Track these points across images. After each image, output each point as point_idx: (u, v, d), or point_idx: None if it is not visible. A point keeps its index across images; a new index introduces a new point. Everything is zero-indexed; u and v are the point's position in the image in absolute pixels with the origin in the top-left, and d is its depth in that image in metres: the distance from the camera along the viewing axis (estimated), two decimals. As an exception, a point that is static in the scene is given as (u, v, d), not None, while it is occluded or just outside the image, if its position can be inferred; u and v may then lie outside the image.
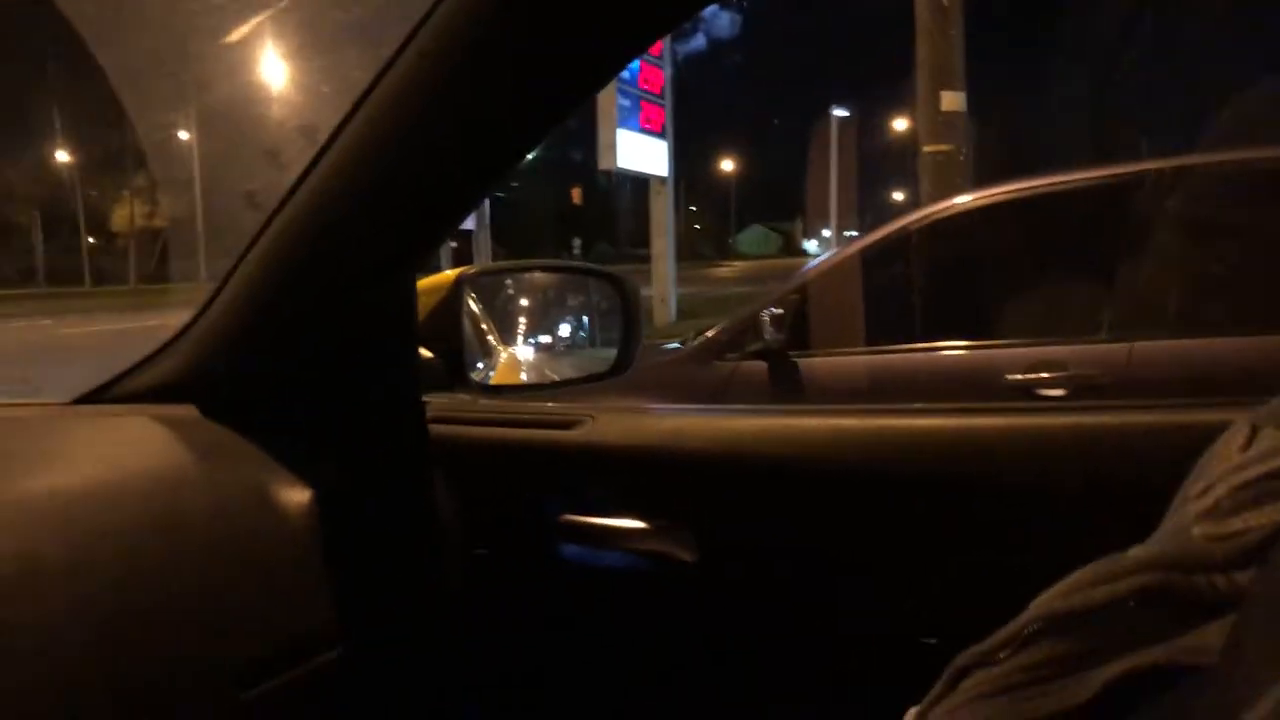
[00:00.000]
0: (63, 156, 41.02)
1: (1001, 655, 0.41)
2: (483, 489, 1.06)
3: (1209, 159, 2.84)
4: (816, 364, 3.16)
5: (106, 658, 0.68)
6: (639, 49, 0.81)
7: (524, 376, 1.52)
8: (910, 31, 6.28)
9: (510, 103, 0.82)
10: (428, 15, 0.77)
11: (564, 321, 1.60)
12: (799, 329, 3.17)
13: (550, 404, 1.17)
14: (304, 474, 0.90)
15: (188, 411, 0.94)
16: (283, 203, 0.91)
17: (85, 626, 0.68)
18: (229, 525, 0.82)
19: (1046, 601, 0.41)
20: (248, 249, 0.94)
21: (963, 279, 3.17)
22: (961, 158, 6.22)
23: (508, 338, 1.52)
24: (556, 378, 1.47)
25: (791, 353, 3.18)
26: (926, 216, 3.23)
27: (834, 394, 3.05)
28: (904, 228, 3.24)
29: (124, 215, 40.81)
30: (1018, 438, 0.90)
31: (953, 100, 6.17)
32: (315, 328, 0.96)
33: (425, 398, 1.07)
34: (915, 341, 3.10)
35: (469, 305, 1.27)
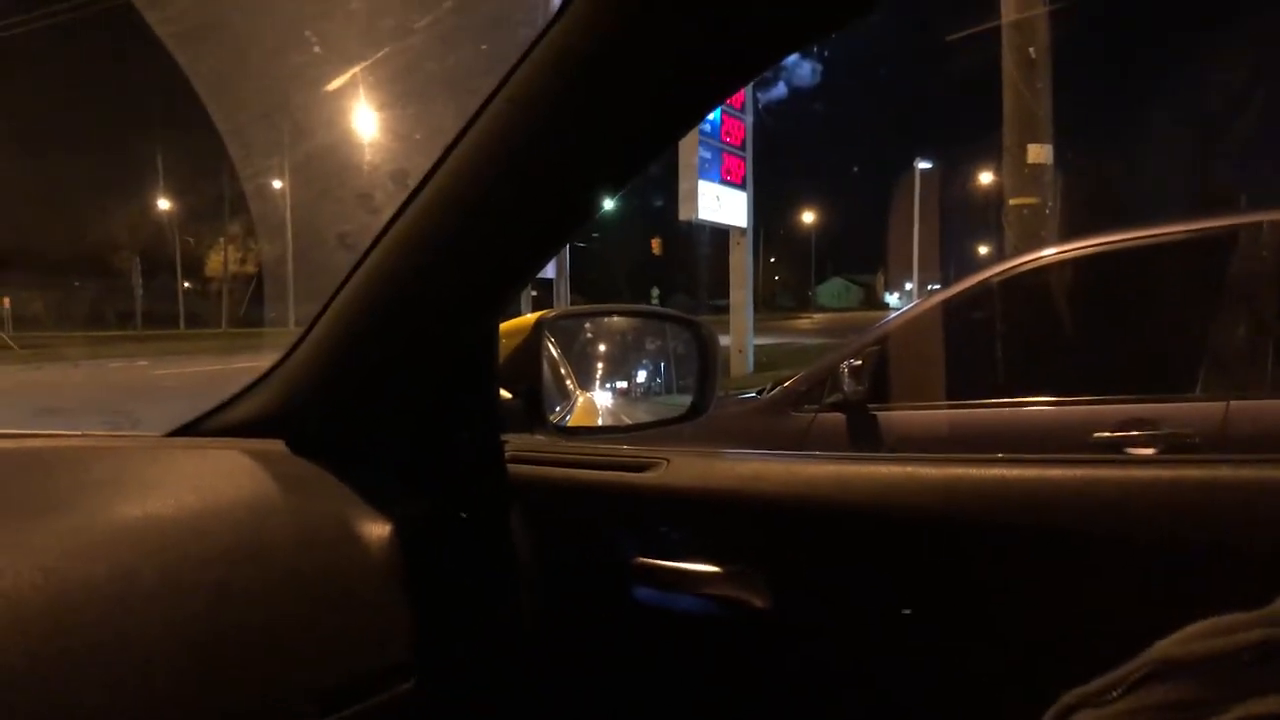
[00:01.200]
0: (163, 204, 43.08)
1: (1112, 695, 0.40)
2: (558, 529, 1.07)
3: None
4: (895, 417, 3.11)
5: (197, 680, 0.70)
6: (720, 99, 0.82)
7: (600, 420, 1.52)
8: (997, 83, 6.22)
9: (594, 152, 0.84)
10: (517, 65, 0.80)
11: (640, 366, 1.61)
12: (878, 381, 3.12)
13: (625, 447, 1.17)
14: (386, 509, 0.92)
15: (276, 446, 0.97)
16: (373, 245, 0.94)
17: (178, 649, 0.70)
18: (313, 556, 0.84)
19: (1163, 648, 0.41)
20: (338, 289, 0.97)
21: (1046, 333, 3.07)
22: (1047, 210, 6.10)
23: (585, 381, 1.53)
24: (631, 422, 1.48)
25: (870, 405, 3.13)
26: (1010, 269, 3.16)
27: (912, 448, 2.98)
28: (986, 280, 3.18)
29: (217, 261, 42.58)
30: (1097, 489, 0.87)
31: (1039, 153, 6.07)
32: (401, 367, 0.99)
33: (504, 437, 1.08)
34: (997, 396, 3.03)
35: (548, 348, 1.28)
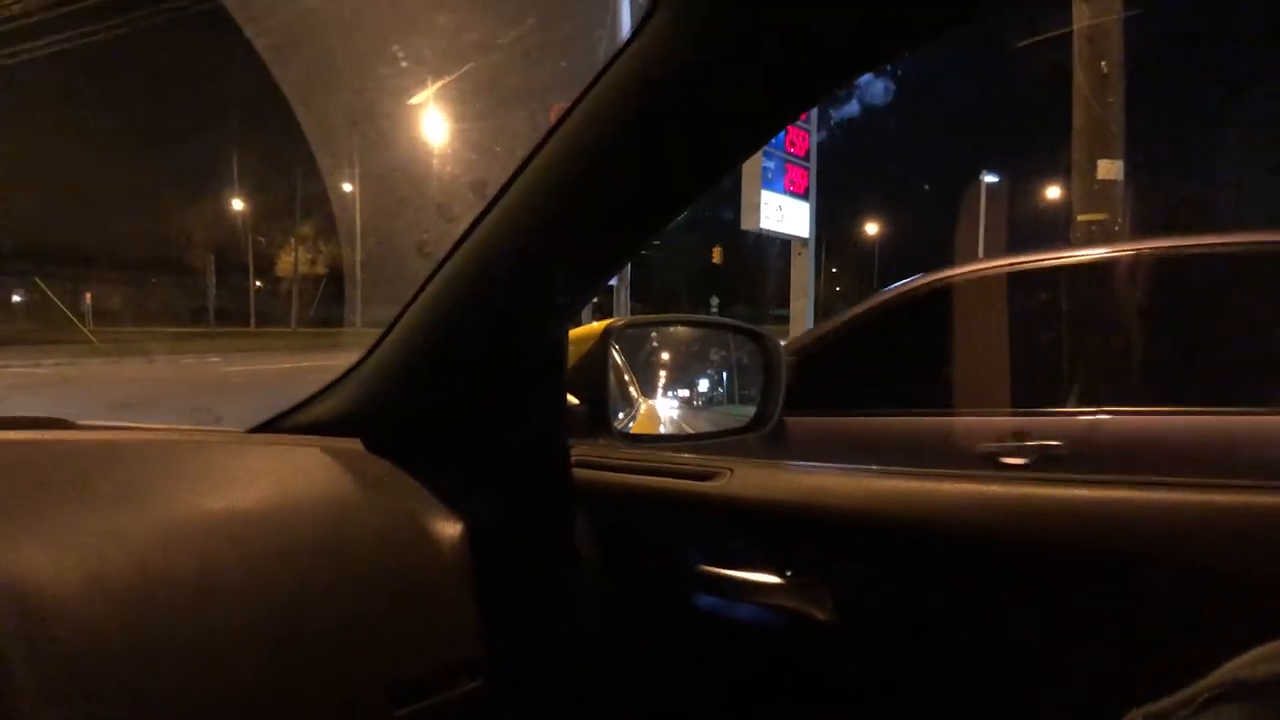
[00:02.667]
0: (237, 205, 44.16)
1: (1182, 714, 0.40)
2: (622, 534, 1.06)
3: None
4: (805, 423, 3.04)
5: (275, 669, 0.71)
6: (798, 113, 0.80)
7: (662, 428, 1.52)
8: (1068, 97, 6.05)
9: (667, 166, 0.83)
10: (595, 81, 0.80)
11: (704, 376, 1.60)
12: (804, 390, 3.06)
13: (689, 455, 1.16)
14: (457, 508, 0.92)
15: (353, 445, 0.98)
16: (450, 253, 0.95)
17: (259, 638, 0.71)
18: (388, 553, 0.84)
19: (1232, 669, 0.40)
20: (415, 295, 0.98)
21: (939, 349, 3.06)
22: (1116, 227, 5.91)
23: (649, 389, 1.52)
24: (694, 430, 1.46)
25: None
26: (902, 290, 3.24)
27: (812, 452, 2.98)
28: (886, 298, 3.26)
29: (287, 262, 43.39)
30: (1169, 513, 0.83)
31: (1109, 169, 5.88)
32: (473, 371, 0.99)
33: (570, 442, 1.08)
34: (894, 406, 3.06)
35: (614, 356, 1.28)
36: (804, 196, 13.60)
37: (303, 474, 0.88)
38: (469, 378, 1.00)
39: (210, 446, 0.92)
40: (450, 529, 0.90)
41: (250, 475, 0.86)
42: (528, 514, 0.99)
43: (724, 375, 1.55)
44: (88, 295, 32.44)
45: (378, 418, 1.00)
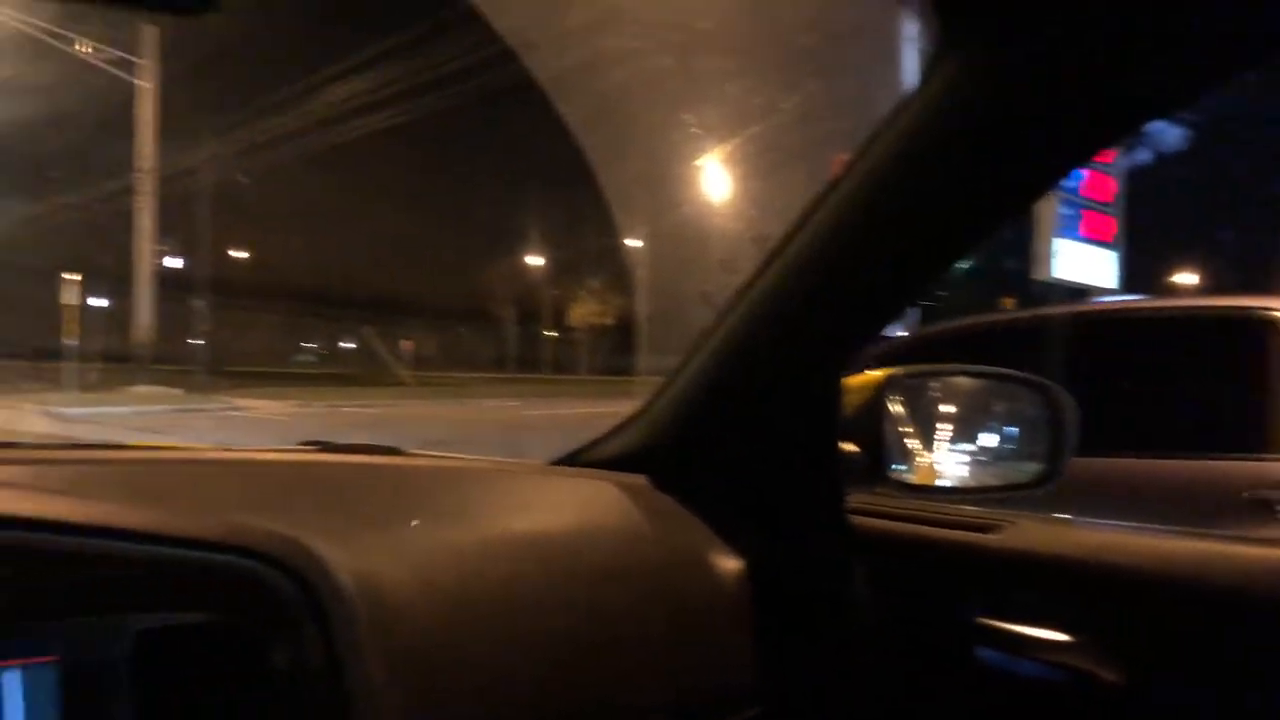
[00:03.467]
0: (535, 260, 47.55)
1: None
2: (897, 582, 1.04)
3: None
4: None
5: (568, 680, 0.76)
6: (1082, 159, 0.77)
7: (941, 480, 1.46)
8: None
9: (946, 216, 0.83)
10: (876, 136, 0.81)
11: (987, 429, 1.52)
12: None
13: (969, 507, 1.11)
14: (736, 545, 0.95)
15: (641, 481, 1.03)
16: (733, 302, 0.99)
17: (555, 650, 0.76)
18: (672, 583, 0.88)
19: None
20: (700, 342, 1.03)
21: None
22: None
23: (928, 441, 1.48)
24: (975, 484, 1.39)
25: None
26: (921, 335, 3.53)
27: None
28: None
29: (580, 313, 45.90)
30: None
31: None
32: (754, 415, 1.02)
33: (846, 489, 1.08)
34: None
35: (892, 405, 1.26)
36: (1110, 244, 12.44)
37: (595, 505, 0.95)
38: (749, 422, 1.03)
39: (517, 476, 1.01)
40: (731, 565, 0.92)
41: (550, 503, 0.93)
42: (804, 556, 1.00)
43: (1008, 429, 1.47)
44: (407, 343, 36.29)
45: (663, 457, 1.06)
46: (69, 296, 17.68)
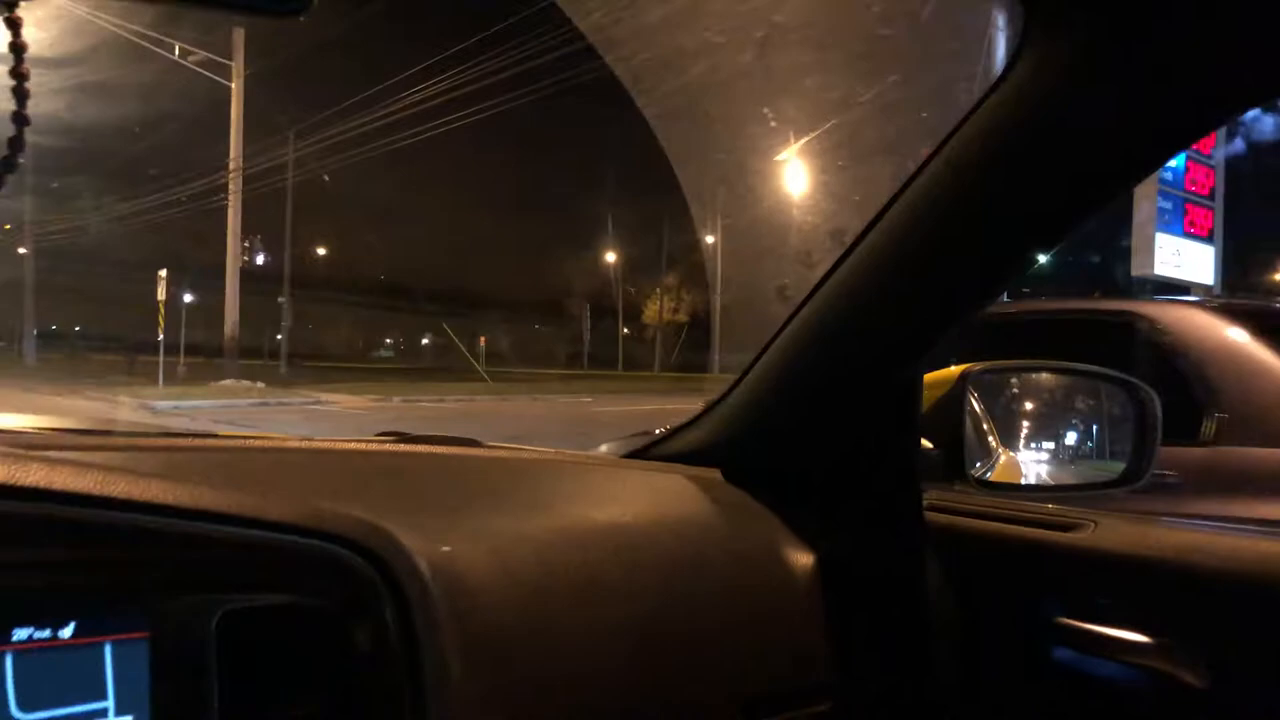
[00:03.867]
0: (609, 258, 47.57)
1: None
2: (975, 580, 1.02)
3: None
4: None
5: (642, 666, 0.77)
6: (1168, 154, 0.75)
7: (1022, 478, 1.43)
8: None
9: (1026, 212, 0.81)
10: (955, 130, 0.81)
11: (1068, 426, 1.48)
12: None
13: (1049, 505, 1.09)
14: (809, 539, 0.95)
15: (713, 474, 1.04)
16: (809, 297, 0.99)
17: (629, 636, 0.78)
18: (744, 574, 0.89)
19: None
20: (774, 337, 1.03)
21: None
22: None
23: (1008, 437, 1.45)
24: (1056, 483, 1.37)
25: None
26: None
27: None
28: None
29: (653, 310, 45.69)
30: None
31: None
32: (828, 410, 1.02)
33: (923, 486, 1.06)
34: None
35: (971, 402, 1.24)
36: (1207, 239, 11.88)
37: (669, 496, 0.97)
38: (823, 416, 1.03)
39: (591, 468, 1.03)
40: (803, 558, 0.92)
41: (624, 494, 0.95)
42: (879, 552, 0.99)
43: (1091, 427, 1.43)
44: (482, 340, 36.85)
45: (736, 451, 1.06)
46: (160, 293, 18.15)
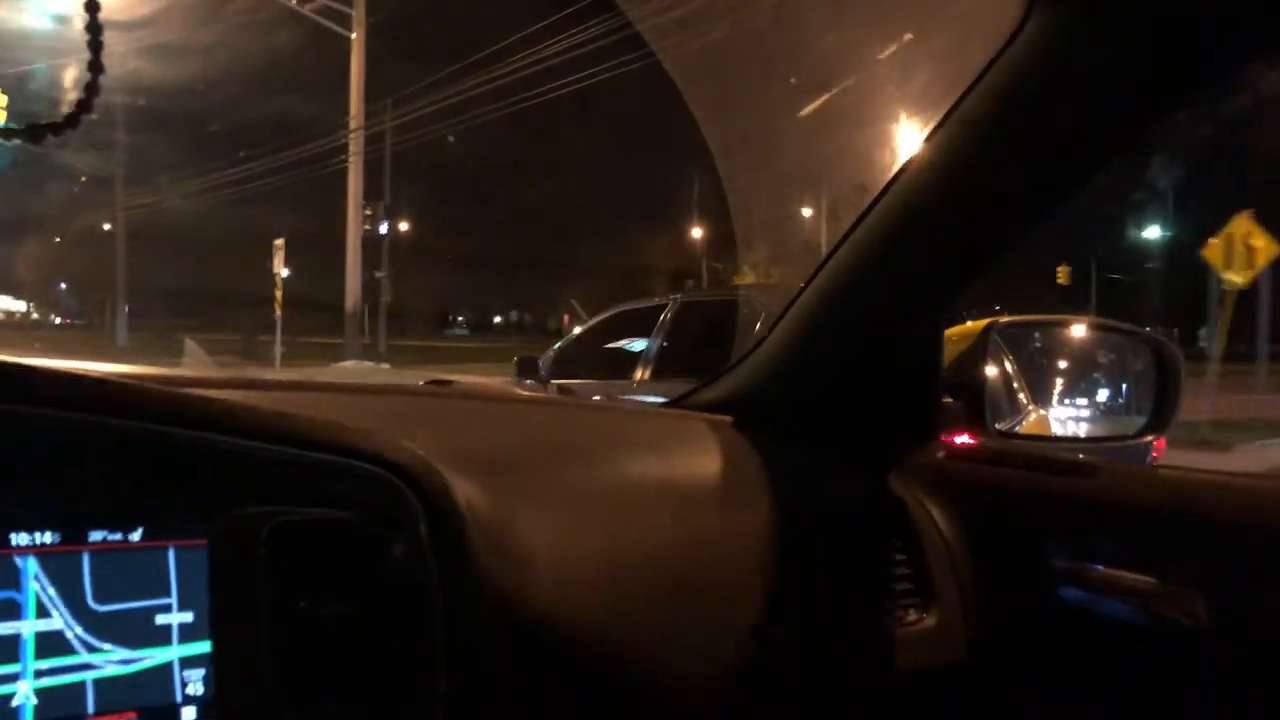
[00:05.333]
0: (695, 233, 47.15)
1: None
2: (988, 524, 1.04)
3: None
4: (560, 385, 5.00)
5: (659, 595, 0.81)
6: (1174, 109, 0.76)
7: (1043, 430, 1.43)
8: None
9: (1041, 166, 0.82)
10: (971, 87, 0.81)
11: (1092, 380, 1.47)
12: (558, 363, 5.47)
13: (1061, 452, 1.09)
14: (826, 484, 0.98)
15: (726, 420, 1.08)
16: (833, 251, 1.00)
17: (666, 568, 0.82)
18: (750, 511, 0.92)
19: None
20: (801, 290, 1.04)
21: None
22: None
23: (1029, 390, 1.44)
24: (1074, 432, 1.36)
25: (552, 378, 5.13)
26: (617, 311, 5.69)
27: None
28: (608, 315, 5.71)
29: (742, 282, 45.17)
30: None
31: None
32: (850, 361, 1.04)
33: (943, 436, 1.07)
34: (603, 377, 5.24)
35: (997, 356, 1.24)
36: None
37: (699, 440, 1.01)
38: (844, 367, 1.05)
39: (623, 415, 1.12)
40: (819, 498, 0.95)
41: (647, 437, 1.02)
42: (893, 497, 1.01)
43: (1113, 380, 1.42)
44: (565, 316, 36.65)
45: (762, 401, 1.09)
46: (276, 264, 15.39)
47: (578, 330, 6.11)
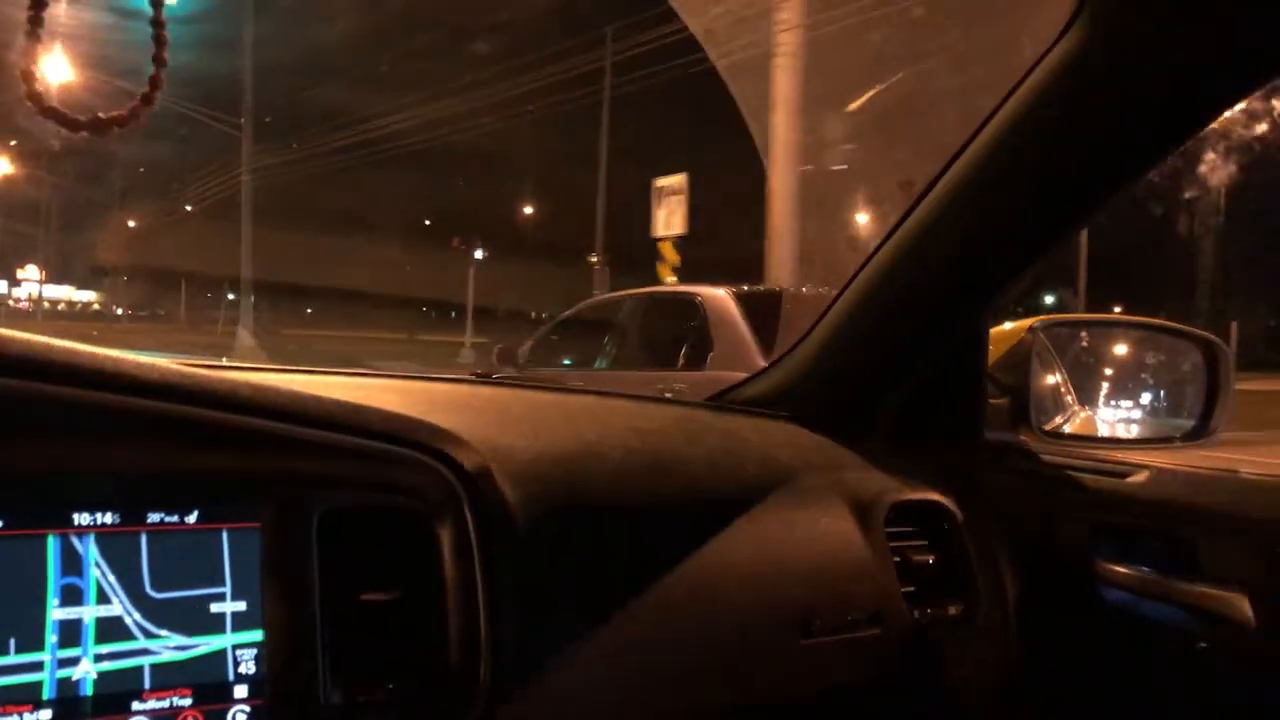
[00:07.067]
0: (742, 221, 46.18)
1: None
2: (1033, 524, 1.01)
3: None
4: (540, 374, 5.41)
5: (708, 587, 0.81)
6: (1224, 108, 0.74)
7: (1086, 429, 1.39)
8: None
9: (1094, 160, 0.80)
10: (1020, 82, 0.80)
11: (1138, 381, 1.43)
12: (536, 352, 5.86)
13: (1107, 453, 1.07)
14: (874, 481, 0.96)
15: (784, 417, 1.07)
16: (878, 247, 0.99)
17: (719, 560, 0.82)
18: (809, 509, 0.91)
19: None
20: (845, 287, 1.03)
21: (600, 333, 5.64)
22: None
23: (1075, 390, 1.41)
24: (1125, 435, 1.32)
25: (530, 367, 5.65)
26: (588, 304, 6.28)
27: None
28: (580, 308, 6.11)
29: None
30: None
31: None
32: (895, 359, 1.03)
33: (988, 435, 1.05)
34: (578, 368, 5.77)
35: (1044, 355, 1.22)
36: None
37: (745, 435, 1.00)
38: (891, 365, 1.04)
39: (693, 414, 1.09)
40: (864, 496, 0.94)
41: (713, 434, 1.00)
42: (938, 497, 0.99)
43: (1161, 381, 1.38)
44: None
45: (806, 397, 1.08)
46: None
47: (557, 320, 6.45)
